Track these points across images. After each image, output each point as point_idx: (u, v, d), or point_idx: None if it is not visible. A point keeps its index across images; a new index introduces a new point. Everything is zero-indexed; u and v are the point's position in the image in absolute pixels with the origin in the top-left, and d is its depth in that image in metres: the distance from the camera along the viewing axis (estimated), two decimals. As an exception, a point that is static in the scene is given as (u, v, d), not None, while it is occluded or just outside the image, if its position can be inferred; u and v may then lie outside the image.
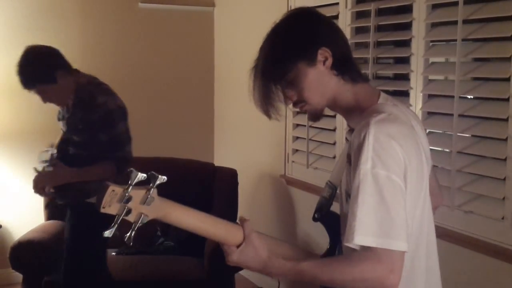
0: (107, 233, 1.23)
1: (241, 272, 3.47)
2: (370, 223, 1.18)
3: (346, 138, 1.40)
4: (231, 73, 4.23)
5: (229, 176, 3.65)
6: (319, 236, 3.46)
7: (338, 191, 1.46)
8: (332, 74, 1.36)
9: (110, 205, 1.21)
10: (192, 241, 2.90)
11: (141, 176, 1.21)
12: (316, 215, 1.46)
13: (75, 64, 4.09)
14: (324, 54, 1.34)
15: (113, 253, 3.39)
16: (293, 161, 3.55)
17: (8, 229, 3.96)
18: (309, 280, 1.27)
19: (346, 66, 1.37)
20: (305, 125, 3.33)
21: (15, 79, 3.98)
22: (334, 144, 3.14)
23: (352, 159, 1.25)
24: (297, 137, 3.50)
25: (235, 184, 3.66)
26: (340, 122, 3.06)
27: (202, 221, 1.33)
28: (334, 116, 3.07)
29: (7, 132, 3.92)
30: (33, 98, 3.95)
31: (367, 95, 1.39)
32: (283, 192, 3.70)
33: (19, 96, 3.93)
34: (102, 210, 1.21)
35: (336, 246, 1.44)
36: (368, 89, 1.41)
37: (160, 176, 1.23)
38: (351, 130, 1.35)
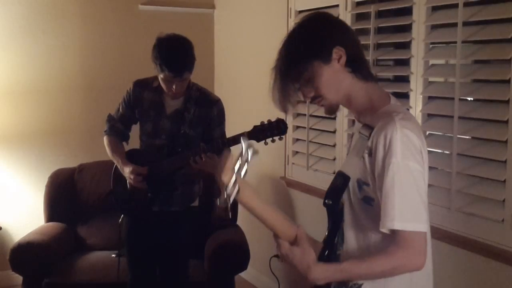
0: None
1: (241, 274, 3.47)
2: (406, 210, 1.32)
3: (360, 131, 1.48)
4: (231, 75, 4.22)
5: (229, 178, 3.64)
6: (319, 238, 3.45)
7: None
8: (346, 71, 1.46)
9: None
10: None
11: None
12: (327, 201, 1.50)
13: (75, 67, 4.13)
14: (338, 53, 1.44)
15: (113, 255, 3.38)
16: (293, 163, 3.55)
17: (8, 231, 3.96)
18: (351, 278, 1.42)
19: (358, 65, 1.47)
20: (305, 127, 3.33)
21: (15, 81, 3.99)
22: (334, 146, 3.14)
23: (378, 152, 1.36)
24: (297, 139, 3.50)
25: (235, 186, 3.66)
26: (340, 124, 3.06)
27: (263, 207, 1.45)
28: (334, 118, 3.07)
29: (7, 134, 3.92)
30: (33, 99, 3.98)
31: (379, 95, 1.50)
32: (283, 194, 3.70)
33: (19, 98, 3.94)
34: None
35: (336, 233, 1.50)
36: (379, 90, 1.52)
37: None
38: (365, 126, 1.45)
